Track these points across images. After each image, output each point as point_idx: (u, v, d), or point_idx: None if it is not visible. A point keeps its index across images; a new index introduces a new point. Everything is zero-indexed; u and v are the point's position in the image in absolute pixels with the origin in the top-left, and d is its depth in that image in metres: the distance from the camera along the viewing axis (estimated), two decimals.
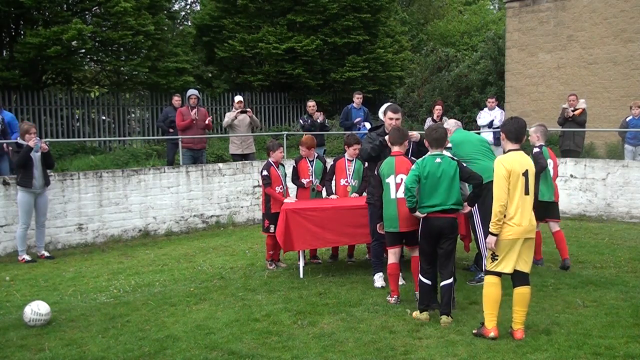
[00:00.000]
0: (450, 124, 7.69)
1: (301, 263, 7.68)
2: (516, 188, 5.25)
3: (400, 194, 6.11)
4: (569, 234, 9.99)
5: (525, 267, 5.35)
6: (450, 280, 5.75)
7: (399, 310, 6.11)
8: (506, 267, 5.32)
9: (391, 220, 6.26)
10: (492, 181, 6.61)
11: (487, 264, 5.48)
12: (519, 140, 5.48)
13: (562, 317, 5.80)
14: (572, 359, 4.85)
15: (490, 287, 5.35)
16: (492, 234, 5.30)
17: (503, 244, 5.29)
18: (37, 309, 5.90)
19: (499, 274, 5.37)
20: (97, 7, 16.73)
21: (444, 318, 5.70)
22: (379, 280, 7.07)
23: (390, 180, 6.28)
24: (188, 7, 28.24)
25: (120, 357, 5.09)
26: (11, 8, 15.25)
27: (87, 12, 17.19)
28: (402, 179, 6.14)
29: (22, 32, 16.32)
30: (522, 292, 5.32)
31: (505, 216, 5.27)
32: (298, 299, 6.60)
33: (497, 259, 5.34)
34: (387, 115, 6.96)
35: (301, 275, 7.54)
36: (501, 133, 5.66)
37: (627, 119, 12.56)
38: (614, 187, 11.30)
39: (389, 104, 7.41)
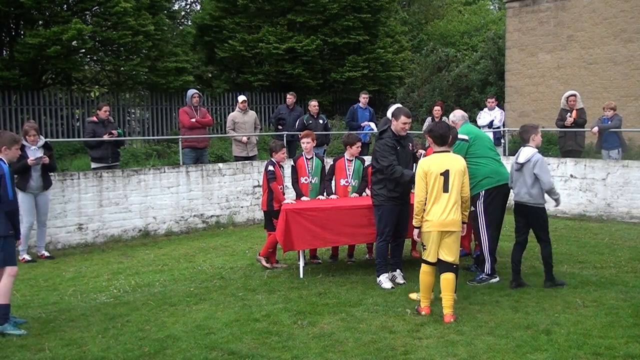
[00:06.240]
0: (457, 116, 7.30)
1: (301, 263, 7.67)
2: (434, 187, 5.83)
3: None
4: (569, 234, 10.01)
5: (447, 256, 5.87)
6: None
7: (399, 310, 6.11)
8: (429, 256, 5.93)
9: None
10: (500, 185, 6.84)
11: (422, 254, 6.07)
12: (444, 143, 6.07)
13: (562, 317, 5.80)
14: (572, 359, 4.85)
15: (423, 275, 6.00)
16: (415, 227, 6.05)
17: (425, 235, 5.96)
18: None
19: (432, 264, 5.95)
20: (97, 7, 16.71)
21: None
22: (386, 282, 6.99)
23: None
24: (188, 6, 28.27)
25: (120, 357, 5.09)
26: (11, 8, 15.23)
27: (87, 12, 17.18)
28: None
29: (22, 32, 16.32)
30: (446, 278, 5.87)
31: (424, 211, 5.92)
32: (298, 299, 6.60)
33: (425, 249, 5.99)
34: (401, 119, 6.88)
35: (301, 275, 7.54)
36: (427, 137, 6.25)
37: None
38: (614, 187, 11.29)
39: (398, 106, 7.39)
